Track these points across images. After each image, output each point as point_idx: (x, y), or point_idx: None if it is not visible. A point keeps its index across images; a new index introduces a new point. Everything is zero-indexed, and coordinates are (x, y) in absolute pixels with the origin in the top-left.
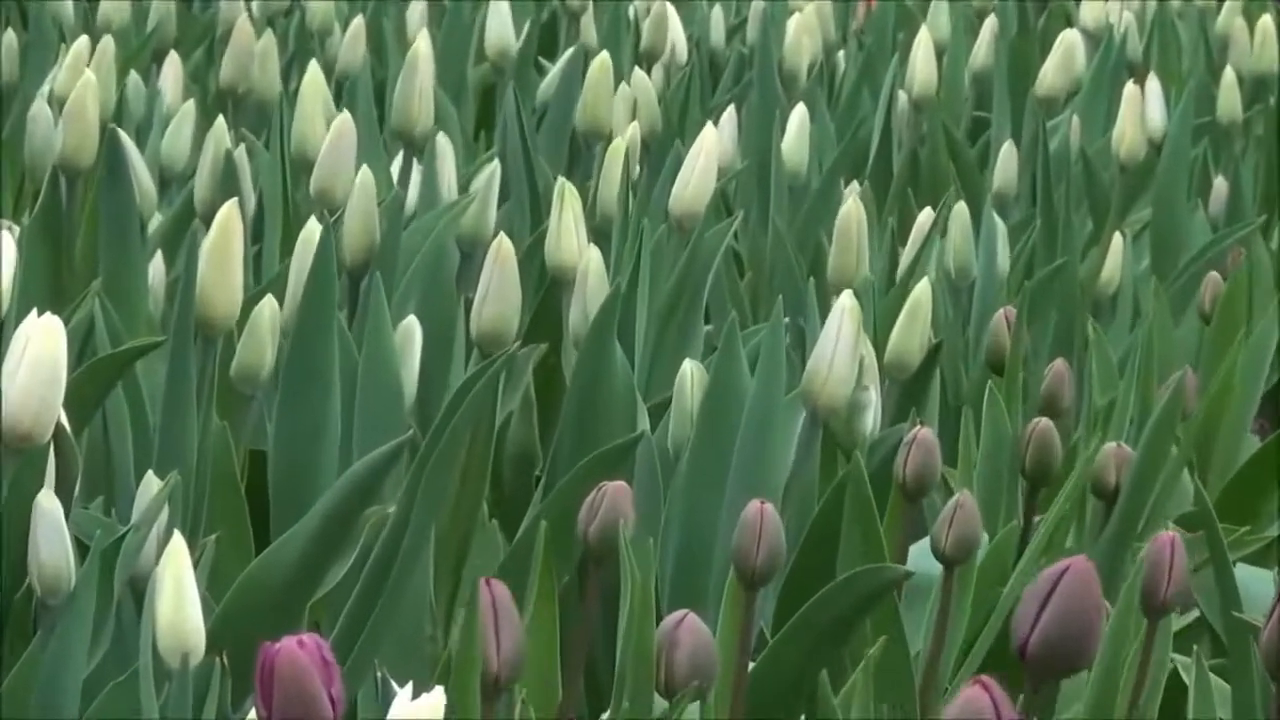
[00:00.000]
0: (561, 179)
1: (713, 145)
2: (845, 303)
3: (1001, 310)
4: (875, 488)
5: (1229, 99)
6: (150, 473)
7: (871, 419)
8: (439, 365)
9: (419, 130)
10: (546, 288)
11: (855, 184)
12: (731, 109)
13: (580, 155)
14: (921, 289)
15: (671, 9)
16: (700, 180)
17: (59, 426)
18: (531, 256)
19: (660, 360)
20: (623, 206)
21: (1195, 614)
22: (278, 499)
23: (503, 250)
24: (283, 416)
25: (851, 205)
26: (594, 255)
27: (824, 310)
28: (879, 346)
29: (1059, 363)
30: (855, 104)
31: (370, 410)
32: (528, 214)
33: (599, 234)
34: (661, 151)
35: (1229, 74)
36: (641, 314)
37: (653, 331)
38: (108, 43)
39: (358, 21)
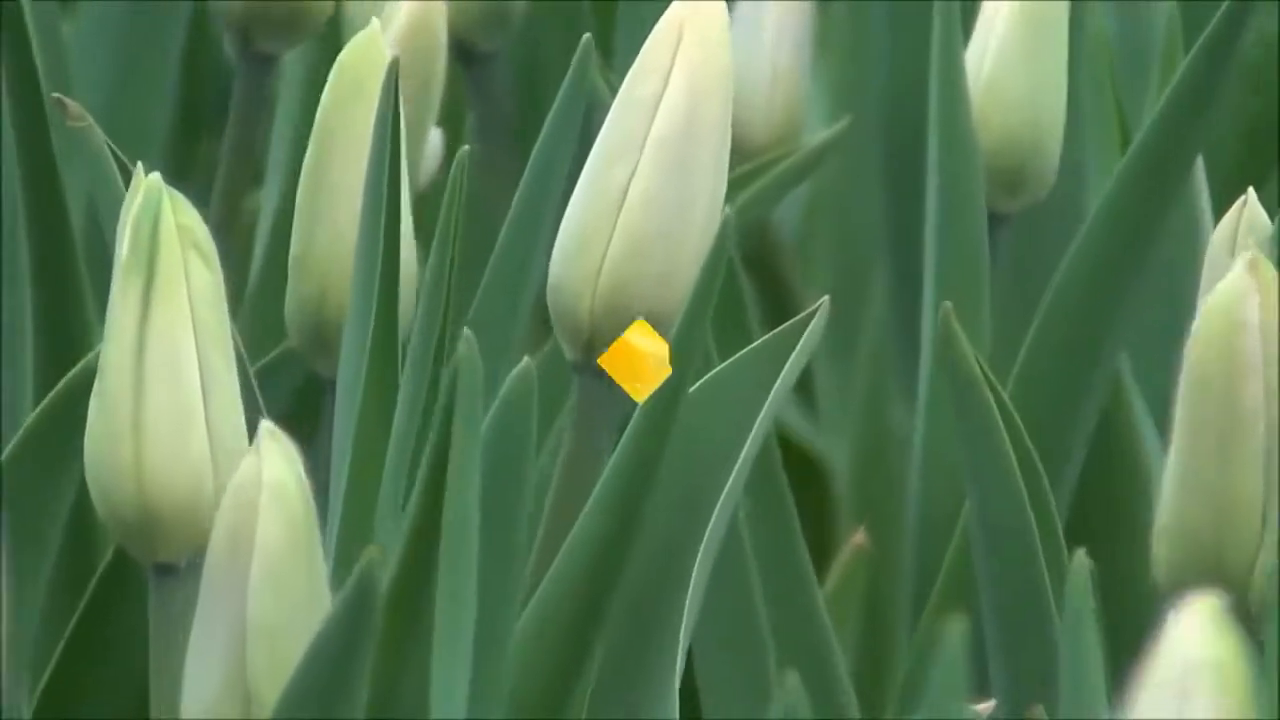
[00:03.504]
0: (151, 177)
1: (717, 87)
2: (1197, 655)
3: None
4: None
5: None
6: None
7: None
8: None
9: None
10: (85, 608)
11: (1241, 211)
12: None
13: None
14: None
15: None
16: (672, 204)
17: None
18: (41, 482)
19: None
20: (386, 302)
21: None
22: None
23: None
24: None
25: (1234, 281)
26: (272, 470)
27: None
28: None
29: None
30: None
31: None
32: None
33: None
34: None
35: None
36: (456, 674)
37: None
38: None
39: None
